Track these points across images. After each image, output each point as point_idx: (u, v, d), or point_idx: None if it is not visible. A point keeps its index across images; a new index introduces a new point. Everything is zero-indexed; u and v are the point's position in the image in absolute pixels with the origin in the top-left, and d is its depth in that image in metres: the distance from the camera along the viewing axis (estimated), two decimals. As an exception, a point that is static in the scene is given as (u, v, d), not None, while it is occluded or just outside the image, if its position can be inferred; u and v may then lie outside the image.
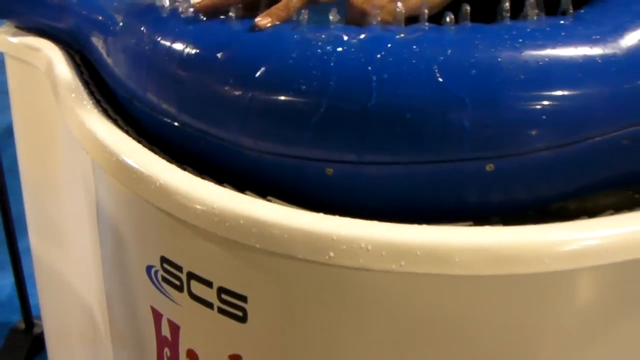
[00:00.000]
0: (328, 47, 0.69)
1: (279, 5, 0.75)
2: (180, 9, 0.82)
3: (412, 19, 0.73)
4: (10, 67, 1.15)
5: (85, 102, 0.88)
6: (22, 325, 1.51)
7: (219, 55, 0.73)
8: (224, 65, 0.72)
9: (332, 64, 0.68)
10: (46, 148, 1.13)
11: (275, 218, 0.65)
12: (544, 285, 0.65)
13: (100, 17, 0.96)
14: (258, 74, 0.70)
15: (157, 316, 0.81)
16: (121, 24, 0.89)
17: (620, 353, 0.71)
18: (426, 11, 0.72)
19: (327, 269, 0.65)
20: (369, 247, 0.62)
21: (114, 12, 0.94)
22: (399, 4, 0.72)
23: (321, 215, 0.65)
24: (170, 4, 0.84)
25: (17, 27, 1.13)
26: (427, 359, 0.67)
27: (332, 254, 0.63)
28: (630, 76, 0.69)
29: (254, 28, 0.73)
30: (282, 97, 0.69)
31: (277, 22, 0.74)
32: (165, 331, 0.81)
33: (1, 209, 1.39)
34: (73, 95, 0.90)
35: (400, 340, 0.67)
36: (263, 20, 0.73)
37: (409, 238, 0.62)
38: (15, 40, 1.10)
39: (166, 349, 0.82)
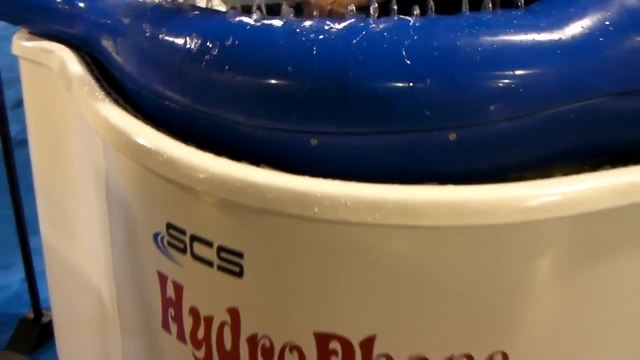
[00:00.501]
0: (311, 36, 0.80)
1: None
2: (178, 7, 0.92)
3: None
4: (24, 68, 1.25)
5: (97, 94, 0.98)
6: (31, 315, 1.60)
7: (217, 46, 0.83)
8: (222, 55, 0.83)
9: (314, 50, 0.79)
10: (57, 142, 1.23)
11: (267, 180, 0.75)
12: (499, 236, 0.75)
13: (108, 21, 1.07)
14: (251, 60, 0.81)
15: (162, 279, 0.91)
16: (128, 26, 1.00)
17: (574, 299, 0.82)
18: (376, 5, 0.83)
19: (312, 224, 0.75)
20: (348, 203, 0.73)
21: (120, 16, 1.04)
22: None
23: (307, 177, 0.76)
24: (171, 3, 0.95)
25: (30, 33, 1.24)
26: (402, 302, 0.78)
27: (316, 210, 0.73)
28: (573, 59, 0.81)
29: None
30: (272, 79, 0.80)
31: None
32: (170, 292, 0.91)
33: (13, 205, 1.48)
34: (86, 88, 1.00)
35: (378, 285, 0.77)
36: None
37: (382, 194, 0.73)
38: (29, 44, 1.21)
39: (170, 309, 0.92)
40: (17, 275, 1.81)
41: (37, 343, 1.57)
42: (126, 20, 1.02)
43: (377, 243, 0.75)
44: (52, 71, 1.17)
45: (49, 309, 1.63)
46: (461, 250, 0.76)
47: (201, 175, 0.78)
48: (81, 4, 1.13)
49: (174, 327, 0.93)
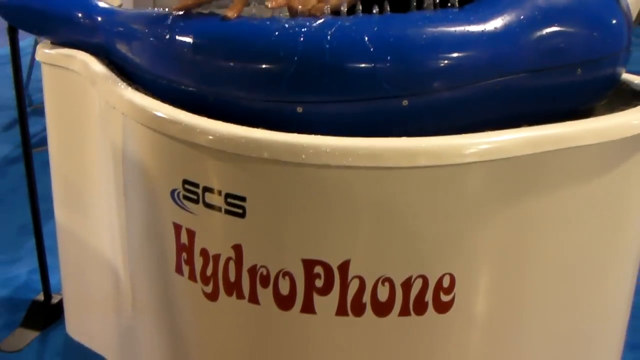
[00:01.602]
0: (297, 29, 1.04)
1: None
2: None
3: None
4: (47, 72, 1.47)
5: (120, 84, 1.21)
6: (42, 298, 1.80)
7: (223, 39, 1.08)
8: (228, 46, 1.07)
9: (300, 39, 1.03)
10: (76, 134, 1.45)
11: (264, 136, 0.99)
12: (444, 176, 0.99)
13: (124, 30, 1.30)
14: (251, 49, 1.05)
15: (177, 229, 1.13)
16: (145, 31, 1.22)
17: (505, 230, 1.05)
18: (344, 8, 1.08)
19: (300, 169, 0.98)
20: (328, 150, 0.96)
21: (136, 24, 1.27)
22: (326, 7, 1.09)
23: (295, 134, 0.99)
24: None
25: (52, 43, 1.46)
26: (370, 231, 1.01)
27: (304, 156, 0.97)
28: (496, 44, 1.06)
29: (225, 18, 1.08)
30: (267, 63, 1.04)
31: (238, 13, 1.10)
32: (184, 239, 1.13)
33: (29, 189, 1.69)
34: (110, 81, 1.23)
35: (352, 218, 1.00)
36: (230, 12, 1.09)
37: (354, 143, 0.97)
38: (52, 51, 1.43)
39: (184, 254, 1.14)
40: (25, 268, 2.02)
41: (47, 321, 1.77)
42: (142, 27, 1.24)
43: (351, 182, 0.99)
44: (72, 73, 1.39)
45: (57, 292, 1.83)
46: (414, 187, 1.00)
47: (212, 137, 1.02)
48: (99, 18, 1.35)
49: (186, 269, 1.15)
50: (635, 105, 1.14)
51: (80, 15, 1.37)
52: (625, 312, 1.31)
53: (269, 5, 1.10)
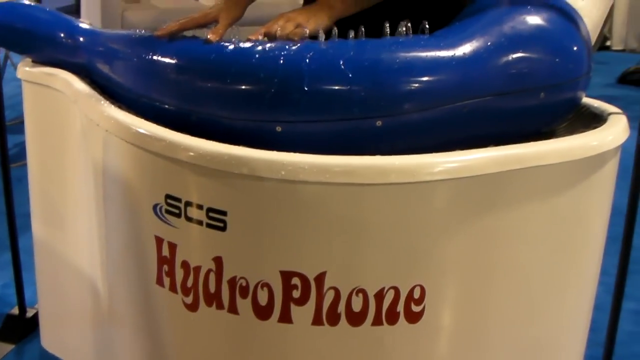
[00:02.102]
0: (276, 52, 1.10)
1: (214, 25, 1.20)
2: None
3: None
4: (27, 90, 1.51)
5: (102, 102, 1.25)
6: (17, 312, 1.83)
7: (206, 62, 1.13)
8: (211, 68, 1.12)
9: (280, 61, 1.09)
10: (55, 150, 1.49)
11: (246, 153, 1.04)
12: (415, 192, 1.05)
13: (105, 50, 1.35)
14: (233, 71, 1.10)
15: (159, 242, 1.17)
16: (130, 52, 1.27)
17: (472, 244, 1.11)
18: (323, 33, 1.14)
19: (280, 184, 1.04)
20: (306, 167, 1.02)
21: (115, 45, 1.32)
22: (304, 29, 1.15)
23: (275, 152, 1.04)
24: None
25: (33, 61, 1.50)
26: (345, 244, 1.06)
27: (283, 173, 1.02)
28: (464, 68, 1.13)
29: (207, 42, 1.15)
30: (249, 84, 1.10)
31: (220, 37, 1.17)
32: (165, 252, 1.17)
33: (6, 205, 1.72)
34: (93, 99, 1.27)
35: (328, 231, 1.06)
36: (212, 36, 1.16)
37: (330, 161, 1.02)
38: (33, 70, 1.47)
39: (165, 266, 1.18)
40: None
41: (22, 334, 1.79)
42: (126, 48, 1.29)
43: (327, 197, 1.04)
44: (53, 90, 1.43)
45: (31, 306, 1.85)
46: (386, 203, 1.06)
47: (195, 153, 1.06)
48: (81, 38, 1.40)
49: (167, 281, 1.19)
50: (594, 128, 1.21)
51: (62, 35, 1.41)
52: (584, 326, 1.37)
53: (252, 38, 1.16)
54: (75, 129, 1.40)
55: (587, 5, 3.26)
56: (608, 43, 5.94)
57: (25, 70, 1.49)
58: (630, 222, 1.49)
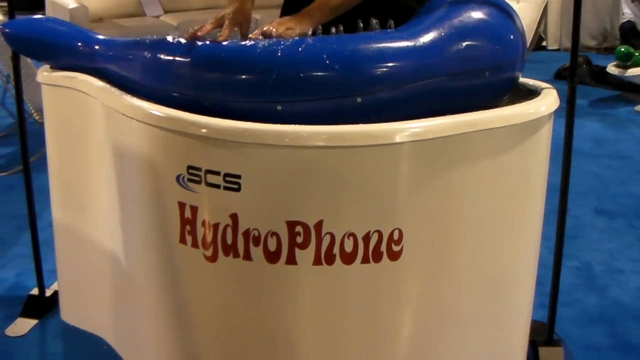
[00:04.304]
0: (274, 47, 1.37)
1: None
2: (176, 37, 1.47)
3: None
4: (47, 92, 1.75)
5: (124, 95, 1.51)
6: (37, 292, 2.05)
7: (219, 56, 1.39)
8: (223, 61, 1.39)
9: (278, 54, 1.36)
10: (74, 143, 1.73)
11: (254, 126, 1.30)
12: (390, 152, 1.33)
13: (118, 54, 1.60)
14: (241, 63, 1.37)
15: (181, 206, 1.43)
16: (142, 53, 1.52)
17: (438, 195, 1.39)
18: (310, 32, 1.42)
19: (284, 150, 1.30)
20: (305, 134, 1.29)
21: (130, 49, 1.57)
22: (294, 30, 1.43)
23: (278, 124, 1.31)
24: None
25: (51, 67, 1.74)
26: (337, 196, 1.33)
27: (287, 140, 1.29)
28: (422, 54, 1.41)
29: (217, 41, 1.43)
30: (254, 73, 1.36)
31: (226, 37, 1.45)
32: (188, 214, 1.42)
33: (26, 192, 1.94)
34: (115, 93, 1.52)
35: (323, 185, 1.32)
36: (221, 37, 1.43)
37: (324, 129, 1.29)
38: (53, 74, 1.71)
39: (187, 226, 1.43)
40: (13, 271, 2.26)
41: (44, 311, 2.02)
42: (142, 52, 1.53)
43: (323, 158, 1.31)
44: (73, 91, 1.68)
45: (48, 287, 2.08)
46: (369, 161, 1.33)
47: (213, 129, 1.32)
48: (97, 46, 1.64)
49: (189, 239, 1.44)
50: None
51: (80, 44, 1.66)
52: (533, 264, 1.66)
53: (252, 37, 1.44)
54: (95, 122, 1.65)
55: (522, 7, 3.66)
56: (544, 43, 6.35)
57: (46, 75, 1.73)
58: (563, 195, 1.80)
